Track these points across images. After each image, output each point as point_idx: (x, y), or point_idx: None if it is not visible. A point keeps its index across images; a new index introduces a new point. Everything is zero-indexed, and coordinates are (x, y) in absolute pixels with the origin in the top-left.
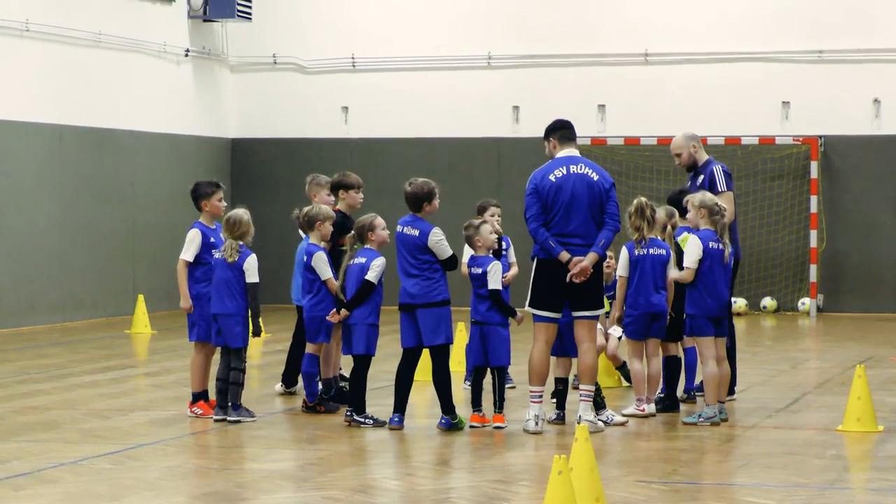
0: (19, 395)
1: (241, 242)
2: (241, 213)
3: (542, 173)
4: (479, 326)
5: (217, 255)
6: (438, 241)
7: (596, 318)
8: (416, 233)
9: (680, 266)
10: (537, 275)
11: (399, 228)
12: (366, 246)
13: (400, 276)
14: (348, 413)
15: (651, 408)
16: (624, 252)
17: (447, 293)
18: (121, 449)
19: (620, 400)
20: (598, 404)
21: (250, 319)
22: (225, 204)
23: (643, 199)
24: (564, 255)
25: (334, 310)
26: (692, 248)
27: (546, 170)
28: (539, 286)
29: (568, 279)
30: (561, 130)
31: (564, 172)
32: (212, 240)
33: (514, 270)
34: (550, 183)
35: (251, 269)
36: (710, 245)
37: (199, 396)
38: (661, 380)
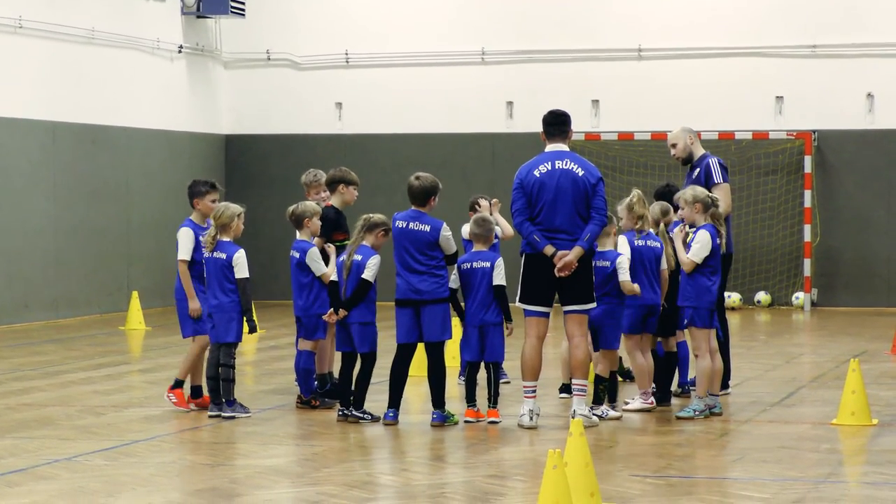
0: (14, 391)
1: (225, 236)
2: (227, 204)
3: (527, 168)
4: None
5: (206, 252)
6: (449, 236)
7: (587, 312)
8: (427, 228)
9: (675, 260)
10: (526, 269)
11: (402, 224)
12: (363, 243)
13: (400, 272)
14: (340, 411)
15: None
16: (623, 239)
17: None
18: (115, 445)
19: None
20: (597, 398)
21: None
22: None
23: (640, 192)
24: (549, 249)
25: (331, 310)
26: (702, 242)
27: (531, 165)
28: (528, 281)
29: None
30: (548, 126)
31: (549, 168)
32: (202, 238)
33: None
34: (534, 178)
35: (240, 265)
36: (717, 241)
37: (180, 384)
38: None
